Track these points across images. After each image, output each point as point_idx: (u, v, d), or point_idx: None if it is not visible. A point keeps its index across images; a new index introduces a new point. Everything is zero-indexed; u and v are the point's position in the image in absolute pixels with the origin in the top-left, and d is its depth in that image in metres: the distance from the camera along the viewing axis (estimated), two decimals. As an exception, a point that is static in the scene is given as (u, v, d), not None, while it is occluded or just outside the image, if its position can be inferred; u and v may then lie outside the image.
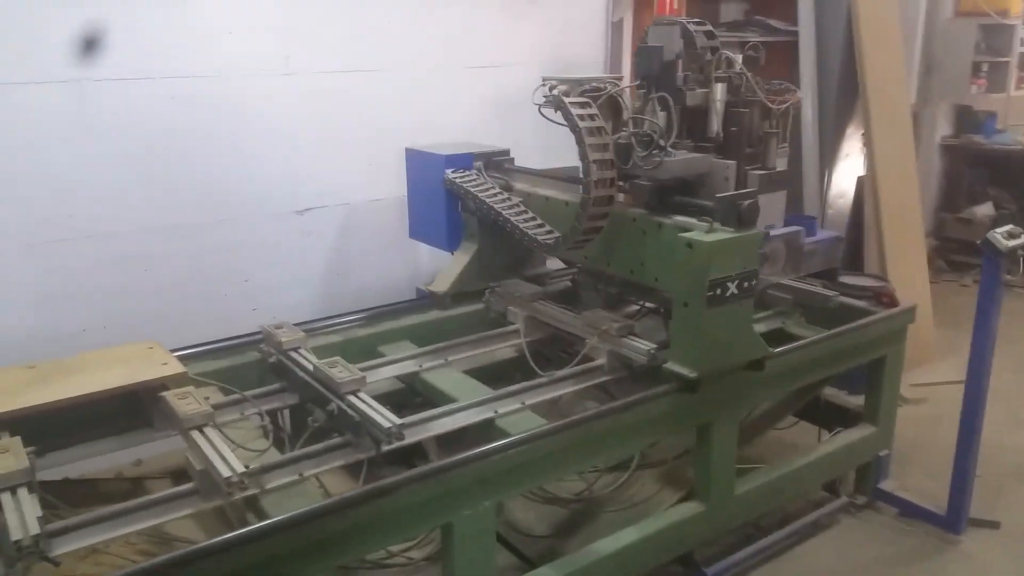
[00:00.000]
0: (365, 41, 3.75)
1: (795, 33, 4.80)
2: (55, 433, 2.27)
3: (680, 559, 2.88)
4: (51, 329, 3.07)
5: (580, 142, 2.53)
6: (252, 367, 2.79)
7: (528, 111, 2.74)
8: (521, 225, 2.97)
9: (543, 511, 3.05)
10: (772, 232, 2.71)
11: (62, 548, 1.84)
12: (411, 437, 2.32)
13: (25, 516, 1.75)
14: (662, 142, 2.61)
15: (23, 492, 1.83)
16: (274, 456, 2.27)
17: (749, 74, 2.76)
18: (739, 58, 2.82)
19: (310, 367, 2.50)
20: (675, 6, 4.51)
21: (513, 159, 3.44)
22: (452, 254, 3.42)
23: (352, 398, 2.31)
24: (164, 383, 2.33)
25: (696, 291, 2.40)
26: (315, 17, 3.57)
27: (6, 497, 1.81)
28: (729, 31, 4.90)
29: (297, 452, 2.28)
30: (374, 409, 2.25)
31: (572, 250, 2.86)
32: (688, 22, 2.85)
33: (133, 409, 2.40)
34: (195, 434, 2.11)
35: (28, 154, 2.99)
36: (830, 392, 3.52)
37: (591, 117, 2.55)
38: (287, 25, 3.51)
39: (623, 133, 2.70)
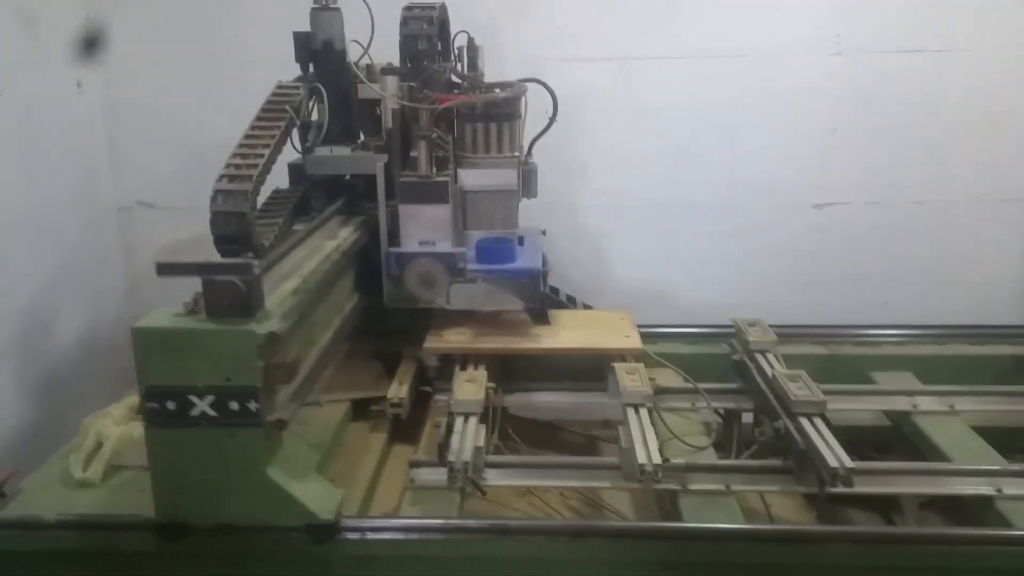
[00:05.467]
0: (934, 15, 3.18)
1: None
2: (526, 376, 2.50)
3: None
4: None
5: None
6: (719, 361, 2.65)
7: None
8: None
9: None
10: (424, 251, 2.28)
11: (493, 480, 1.99)
12: (865, 486, 1.93)
13: (466, 441, 1.94)
14: (309, 136, 2.32)
15: (473, 420, 2.03)
16: (709, 457, 2.13)
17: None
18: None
19: (769, 374, 2.25)
20: None
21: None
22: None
23: (804, 421, 2.00)
24: (621, 354, 2.35)
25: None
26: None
27: (459, 420, 2.03)
28: None
29: (732, 462, 2.09)
30: (824, 441, 1.91)
31: None
32: (413, 5, 2.36)
33: (598, 370, 2.49)
34: (630, 411, 2.08)
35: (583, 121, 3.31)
36: None
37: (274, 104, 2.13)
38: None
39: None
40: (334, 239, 2.13)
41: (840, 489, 1.86)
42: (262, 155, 2.08)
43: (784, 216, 3.38)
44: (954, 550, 1.74)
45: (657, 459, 1.85)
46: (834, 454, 1.85)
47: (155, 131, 3.30)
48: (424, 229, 2.29)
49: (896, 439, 2.46)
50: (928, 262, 3.39)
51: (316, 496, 1.68)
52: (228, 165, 2.08)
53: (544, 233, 2.79)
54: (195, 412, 1.60)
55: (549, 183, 3.13)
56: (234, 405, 1.59)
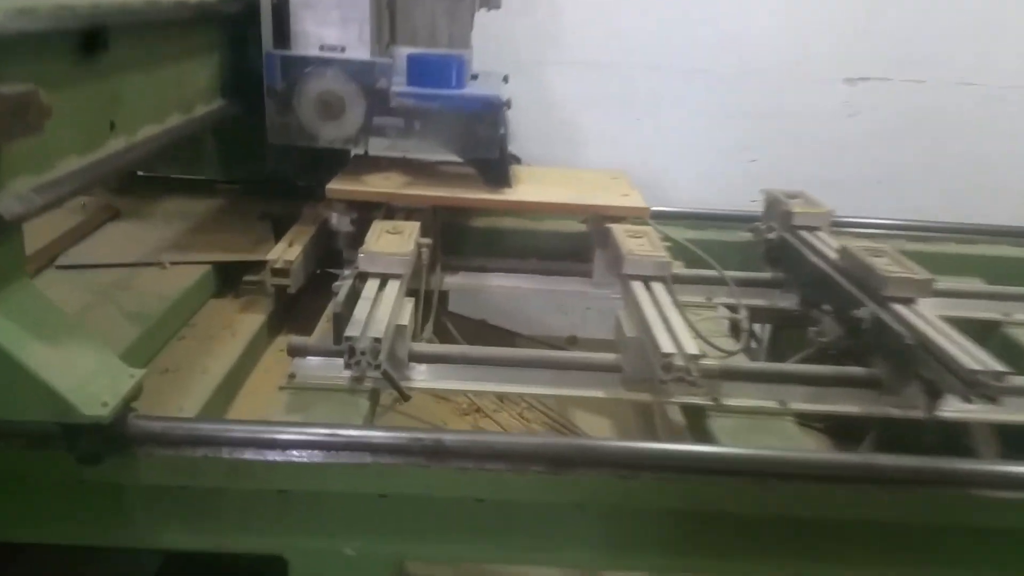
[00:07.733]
0: None
1: None
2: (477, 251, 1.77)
3: None
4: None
5: None
6: (735, 250, 1.94)
7: None
8: None
9: None
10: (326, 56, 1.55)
11: (422, 381, 1.26)
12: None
13: (379, 312, 1.20)
14: None
15: (395, 285, 1.29)
16: (742, 363, 1.43)
17: None
18: None
19: (831, 253, 1.56)
20: None
21: None
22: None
23: (902, 309, 1.32)
24: (620, 215, 1.63)
25: None
26: None
27: (372, 285, 1.28)
28: None
29: (787, 367, 1.39)
30: (946, 336, 1.22)
31: None
32: None
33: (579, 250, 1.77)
34: (638, 287, 1.35)
35: None
36: None
37: None
38: None
39: None
40: None
41: (957, 412, 1.19)
42: None
43: (807, 92, 2.69)
44: None
45: (692, 349, 1.14)
46: (968, 353, 1.17)
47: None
48: (327, 25, 1.54)
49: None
50: (973, 157, 2.75)
51: (81, 376, 0.88)
52: None
53: (506, 80, 2.04)
54: None
55: (510, 36, 2.42)
56: None
